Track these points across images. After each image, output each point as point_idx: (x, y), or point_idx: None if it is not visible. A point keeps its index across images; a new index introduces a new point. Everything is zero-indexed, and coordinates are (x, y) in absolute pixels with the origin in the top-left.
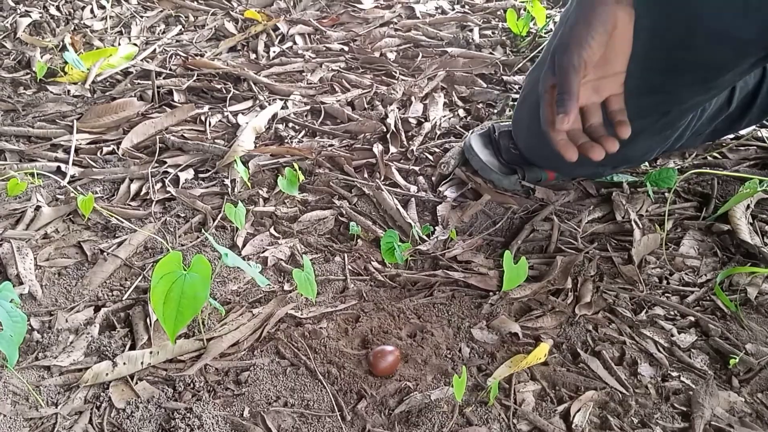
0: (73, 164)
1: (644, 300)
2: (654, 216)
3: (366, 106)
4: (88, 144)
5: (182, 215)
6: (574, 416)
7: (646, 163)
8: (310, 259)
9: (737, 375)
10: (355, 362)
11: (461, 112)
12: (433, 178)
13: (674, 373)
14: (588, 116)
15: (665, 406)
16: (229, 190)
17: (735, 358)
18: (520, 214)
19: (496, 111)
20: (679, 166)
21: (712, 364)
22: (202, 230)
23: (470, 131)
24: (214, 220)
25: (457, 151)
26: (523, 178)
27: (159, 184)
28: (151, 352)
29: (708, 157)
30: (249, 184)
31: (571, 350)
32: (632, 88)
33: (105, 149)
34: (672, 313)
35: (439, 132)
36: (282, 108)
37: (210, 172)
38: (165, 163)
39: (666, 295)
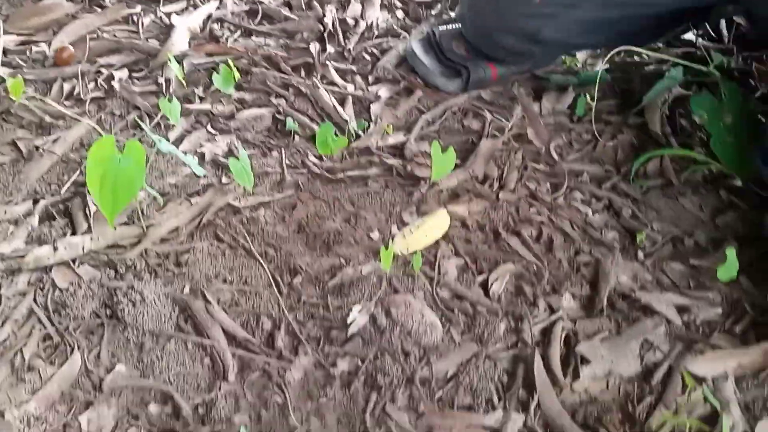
0: (3, 65)
1: (563, 186)
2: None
3: (303, 6)
4: (17, 45)
5: (117, 113)
6: (491, 285)
7: (577, 65)
8: (248, 154)
9: (643, 249)
10: (291, 244)
11: (399, 13)
12: (369, 78)
13: (586, 248)
14: None
15: (575, 276)
16: (164, 89)
17: (642, 234)
18: (452, 110)
19: (434, 12)
20: (606, 67)
21: (621, 240)
22: (139, 126)
23: (410, 37)
24: (150, 117)
25: (394, 55)
26: (468, 79)
27: (92, 84)
28: (91, 239)
29: (635, 57)
30: (184, 83)
31: (493, 231)
32: None
33: (35, 49)
34: (588, 196)
35: (376, 32)
36: (217, 8)
37: (144, 72)
38: (97, 62)
39: (584, 182)
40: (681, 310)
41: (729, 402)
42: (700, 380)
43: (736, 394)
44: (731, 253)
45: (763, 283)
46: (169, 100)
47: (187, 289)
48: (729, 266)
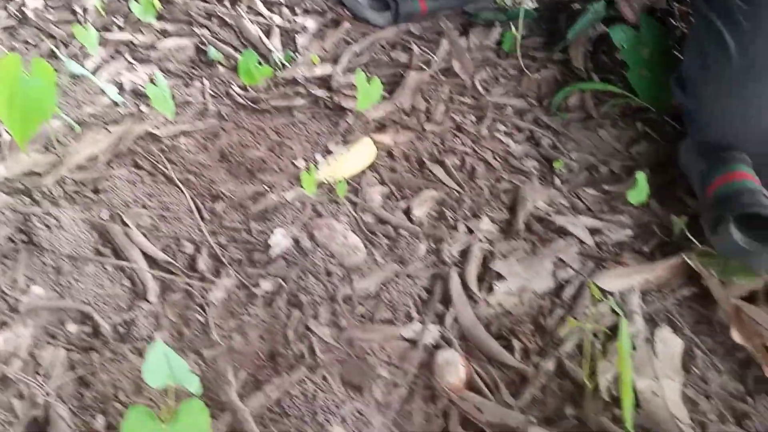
0: None
1: (487, 118)
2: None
3: None
4: None
5: (31, 42)
6: (414, 210)
7: (506, 2)
8: (170, 85)
9: (560, 176)
10: (214, 172)
11: None
12: (296, 9)
13: (506, 176)
14: None
15: (495, 201)
16: (82, 18)
17: (559, 162)
18: (380, 43)
19: None
20: (535, 7)
21: (540, 168)
22: (55, 56)
23: None
24: (66, 46)
25: None
26: (397, 12)
27: (2, 12)
28: (5, 167)
29: None
30: (103, 12)
31: (418, 160)
32: None
33: None
34: (511, 128)
35: None
36: None
37: (60, 1)
38: None
39: (507, 114)
40: (593, 231)
41: (633, 312)
42: (607, 294)
43: (641, 306)
44: (641, 177)
45: (670, 207)
46: (85, 28)
47: (105, 215)
48: (639, 190)
